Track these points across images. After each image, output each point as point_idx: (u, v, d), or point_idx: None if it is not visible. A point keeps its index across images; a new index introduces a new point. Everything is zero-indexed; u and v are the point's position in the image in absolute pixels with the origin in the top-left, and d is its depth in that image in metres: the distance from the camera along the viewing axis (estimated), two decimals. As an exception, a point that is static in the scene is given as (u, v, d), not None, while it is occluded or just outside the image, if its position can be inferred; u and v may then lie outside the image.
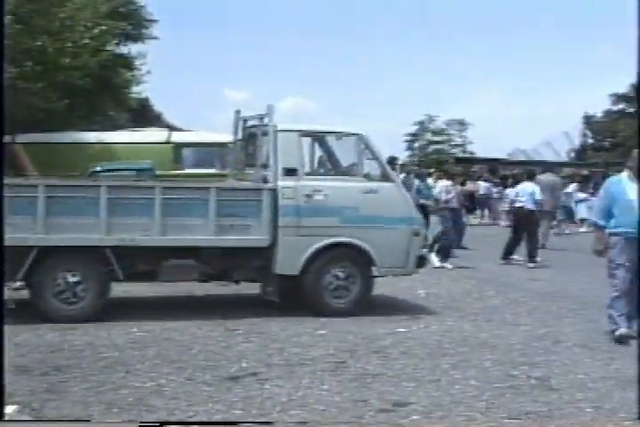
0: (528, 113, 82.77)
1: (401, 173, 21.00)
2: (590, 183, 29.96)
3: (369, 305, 10.34)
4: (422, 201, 16.86)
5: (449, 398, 6.55)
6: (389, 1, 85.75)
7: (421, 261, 10.62)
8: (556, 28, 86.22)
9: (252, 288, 10.72)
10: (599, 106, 64.44)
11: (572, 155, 54.17)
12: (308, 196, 9.96)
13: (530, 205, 16.95)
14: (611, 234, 9.14)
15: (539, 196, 17.16)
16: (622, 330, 8.99)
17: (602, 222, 9.22)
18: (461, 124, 55.60)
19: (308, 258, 9.95)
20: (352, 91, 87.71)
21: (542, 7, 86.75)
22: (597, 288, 13.22)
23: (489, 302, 11.66)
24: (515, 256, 17.23)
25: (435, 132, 56.49)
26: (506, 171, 38.88)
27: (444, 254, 16.20)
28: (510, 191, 17.26)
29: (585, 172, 37.14)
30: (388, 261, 10.24)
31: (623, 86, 56.58)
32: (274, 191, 9.89)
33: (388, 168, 10.76)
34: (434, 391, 6.75)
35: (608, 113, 57.05)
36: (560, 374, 7.48)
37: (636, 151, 9.03)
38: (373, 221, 10.14)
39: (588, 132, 55.87)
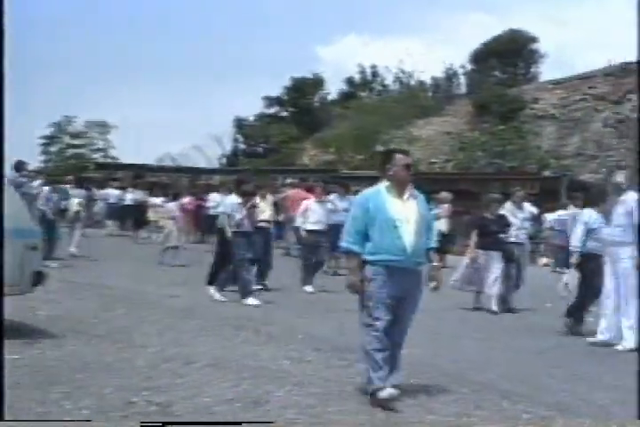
0: (176, 115, 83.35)
1: (36, 180, 20.09)
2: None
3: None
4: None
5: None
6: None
7: (39, 279, 10.12)
8: (204, 27, 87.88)
9: None
10: (251, 109, 65.99)
11: (224, 161, 55.12)
12: None
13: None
14: (368, 263, 7.60)
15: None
16: (389, 391, 7.45)
17: (356, 248, 7.61)
18: (103, 127, 54.12)
19: None
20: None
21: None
22: (232, 305, 13.56)
23: (118, 323, 11.32)
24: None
25: (73, 135, 54.57)
26: (153, 178, 39.01)
27: (245, 290, 14.29)
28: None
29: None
30: (-2, 279, 9.63)
31: (276, 89, 58.80)
32: None
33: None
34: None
35: (261, 117, 58.65)
36: (185, 398, 7.34)
37: (399, 157, 7.78)
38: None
39: (240, 137, 57.08)
